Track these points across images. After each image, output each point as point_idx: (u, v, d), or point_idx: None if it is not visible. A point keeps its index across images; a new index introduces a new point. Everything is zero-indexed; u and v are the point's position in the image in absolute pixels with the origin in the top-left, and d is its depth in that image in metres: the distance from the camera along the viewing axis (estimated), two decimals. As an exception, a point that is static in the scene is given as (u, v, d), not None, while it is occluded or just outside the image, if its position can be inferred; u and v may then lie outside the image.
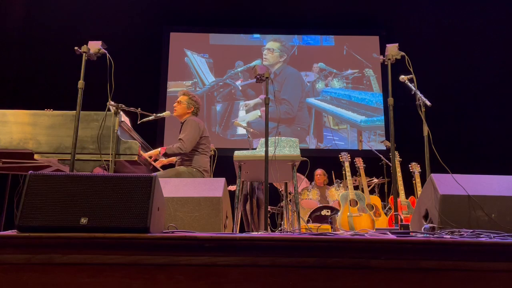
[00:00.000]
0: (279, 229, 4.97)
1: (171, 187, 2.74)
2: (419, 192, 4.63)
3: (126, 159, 3.34)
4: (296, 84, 7.93)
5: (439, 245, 1.74)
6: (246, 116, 7.70)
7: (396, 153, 4.70)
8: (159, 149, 3.77)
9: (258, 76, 3.20)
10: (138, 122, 3.66)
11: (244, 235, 1.88)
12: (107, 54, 3.19)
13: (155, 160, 3.85)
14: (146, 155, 3.64)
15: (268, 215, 3.27)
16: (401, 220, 4.28)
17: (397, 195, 3.93)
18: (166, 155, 3.77)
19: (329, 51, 8.12)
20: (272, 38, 8.12)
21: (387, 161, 5.44)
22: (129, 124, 3.78)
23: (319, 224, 4.76)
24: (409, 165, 4.97)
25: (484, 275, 1.70)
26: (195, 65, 7.98)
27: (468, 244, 1.75)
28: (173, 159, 4.11)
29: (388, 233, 2.11)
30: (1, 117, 3.38)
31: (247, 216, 5.00)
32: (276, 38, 8.12)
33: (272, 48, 8.05)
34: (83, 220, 1.81)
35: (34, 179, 1.89)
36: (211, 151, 4.35)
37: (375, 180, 5.48)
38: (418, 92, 3.30)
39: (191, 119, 3.97)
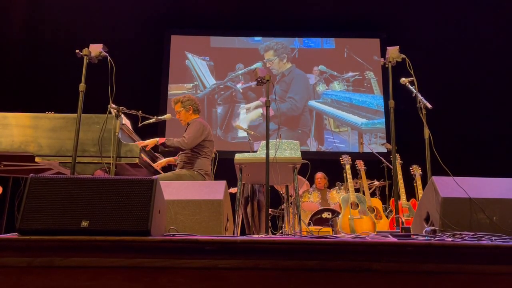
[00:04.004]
0: (280, 231, 4.97)
1: (172, 190, 2.74)
2: (420, 195, 4.62)
3: (127, 162, 3.34)
4: (303, 85, 7.94)
5: (440, 248, 1.73)
6: (248, 115, 7.70)
7: (397, 155, 4.70)
8: (157, 138, 3.73)
9: (258, 79, 3.20)
10: (139, 125, 3.66)
11: (245, 238, 1.88)
12: (108, 57, 3.20)
13: (153, 160, 3.83)
14: (143, 143, 3.61)
15: (269, 218, 3.27)
16: (402, 223, 4.28)
17: (398, 197, 3.93)
18: (164, 145, 3.73)
19: (330, 54, 8.12)
20: (265, 49, 8.11)
21: (388, 164, 5.43)
22: (130, 127, 3.78)
23: (320, 227, 4.76)
24: (410, 168, 4.97)
25: (485, 278, 1.70)
26: (196, 67, 7.99)
27: (469, 247, 1.75)
28: (171, 159, 4.09)
29: (389, 236, 2.10)
30: (2, 120, 3.39)
31: (248, 219, 5.00)
32: (268, 46, 8.11)
33: (270, 59, 8.06)
34: (84, 223, 1.81)
35: (35, 182, 1.89)
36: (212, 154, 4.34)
37: (376, 183, 5.47)
38: (419, 95, 3.30)
39: (197, 120, 3.96)
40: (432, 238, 2.00)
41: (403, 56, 3.17)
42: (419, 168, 4.88)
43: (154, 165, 3.88)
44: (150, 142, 3.69)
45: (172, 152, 4.01)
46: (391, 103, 3.11)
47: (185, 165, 3.89)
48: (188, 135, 3.79)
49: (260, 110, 7.72)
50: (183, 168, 3.88)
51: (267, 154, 3.01)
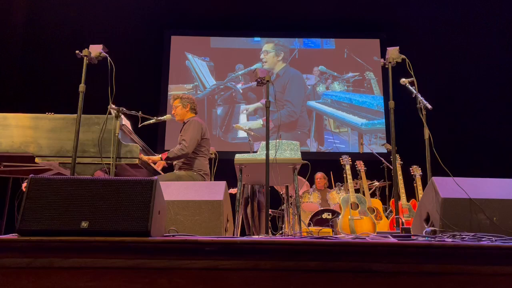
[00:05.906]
0: (280, 232, 4.96)
1: (172, 190, 2.74)
2: (420, 195, 4.62)
3: (127, 163, 3.34)
4: (299, 86, 7.95)
5: (441, 248, 1.73)
6: (247, 123, 7.69)
7: (397, 156, 4.69)
8: (160, 155, 3.76)
9: (258, 80, 3.20)
10: (139, 126, 3.66)
11: (245, 238, 1.88)
12: (108, 58, 3.19)
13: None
14: (146, 158, 3.62)
15: (269, 218, 3.27)
16: (403, 224, 4.28)
17: (398, 198, 3.93)
18: (168, 159, 3.75)
19: (330, 54, 8.13)
20: (266, 41, 8.14)
21: (388, 164, 5.43)
22: (130, 127, 3.78)
23: (320, 228, 4.75)
24: (410, 168, 4.97)
25: (485, 278, 1.70)
26: (196, 68, 7.99)
27: (469, 247, 1.75)
28: None
29: (390, 236, 2.10)
30: (2, 121, 3.38)
31: (248, 220, 5.00)
32: (269, 40, 8.14)
33: (266, 50, 8.07)
34: (84, 224, 1.81)
35: (35, 182, 1.89)
36: (211, 154, 4.33)
37: (376, 183, 5.47)
38: (419, 95, 3.30)
39: (194, 119, 3.95)
40: (432, 239, 2.00)
41: (403, 56, 3.17)
42: (419, 168, 4.88)
43: (156, 165, 3.88)
44: (154, 159, 3.72)
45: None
46: (391, 103, 3.11)
47: (183, 166, 3.88)
48: (188, 138, 3.78)
49: (260, 121, 7.71)
50: (182, 169, 3.87)
51: (267, 155, 3.00)
